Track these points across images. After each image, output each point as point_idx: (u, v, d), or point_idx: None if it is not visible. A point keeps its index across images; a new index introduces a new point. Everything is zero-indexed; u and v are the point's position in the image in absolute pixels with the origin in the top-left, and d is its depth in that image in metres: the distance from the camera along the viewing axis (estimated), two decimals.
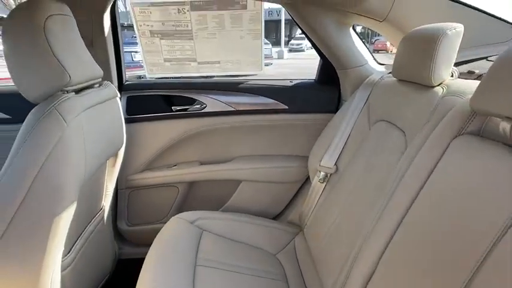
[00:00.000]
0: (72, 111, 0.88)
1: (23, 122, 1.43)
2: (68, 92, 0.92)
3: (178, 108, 1.49)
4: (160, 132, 1.51)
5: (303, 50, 21.53)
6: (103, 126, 1.08)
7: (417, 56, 0.93)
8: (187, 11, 1.34)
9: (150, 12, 1.35)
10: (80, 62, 0.96)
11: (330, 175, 1.27)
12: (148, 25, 1.38)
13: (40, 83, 0.86)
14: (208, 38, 1.41)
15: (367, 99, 1.24)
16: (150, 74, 1.51)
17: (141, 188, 1.55)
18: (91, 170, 1.02)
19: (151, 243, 1.17)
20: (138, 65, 5.73)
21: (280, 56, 16.90)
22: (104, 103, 1.07)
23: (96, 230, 1.21)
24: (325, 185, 1.28)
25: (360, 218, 0.93)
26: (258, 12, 1.37)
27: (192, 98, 1.48)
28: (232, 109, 1.49)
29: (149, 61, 1.48)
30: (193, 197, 1.61)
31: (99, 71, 1.08)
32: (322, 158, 1.28)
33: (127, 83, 1.49)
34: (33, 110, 0.85)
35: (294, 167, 1.55)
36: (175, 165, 1.57)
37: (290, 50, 21.05)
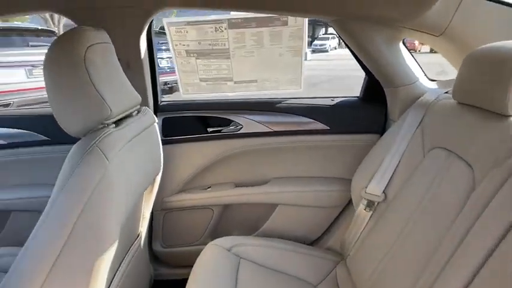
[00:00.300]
0: (113, 147, 0.84)
1: (61, 143, 1.43)
2: (108, 125, 0.88)
3: (214, 129, 1.43)
4: (196, 153, 1.46)
5: (326, 51, 21.25)
6: (143, 156, 1.04)
7: (488, 78, 0.82)
8: (225, 29, 1.28)
9: (187, 32, 1.29)
10: (119, 92, 0.93)
11: (378, 203, 1.17)
12: (184, 45, 1.33)
13: (80, 117, 0.83)
14: (245, 56, 1.34)
15: (420, 122, 1.13)
16: (185, 94, 1.46)
17: (176, 210, 1.51)
18: (131, 204, 0.98)
19: (186, 265, 1.15)
20: (163, 72, 5.80)
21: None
22: (143, 132, 1.03)
23: (134, 257, 1.17)
24: (372, 213, 1.18)
25: (421, 255, 0.84)
26: (300, 28, 1.29)
27: (227, 119, 1.42)
28: (269, 130, 1.42)
29: (184, 81, 1.43)
30: (228, 219, 1.55)
31: (137, 98, 1.04)
32: (369, 184, 1.19)
33: (162, 103, 1.45)
34: (76, 145, 0.82)
35: (335, 190, 1.46)
36: (209, 187, 1.51)
37: (313, 51, 20.79)
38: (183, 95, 1.48)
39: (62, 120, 0.83)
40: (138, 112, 1.07)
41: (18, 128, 1.43)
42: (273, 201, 1.48)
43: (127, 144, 0.91)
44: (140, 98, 1.06)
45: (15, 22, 6.36)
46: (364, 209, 1.19)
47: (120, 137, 0.88)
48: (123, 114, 0.95)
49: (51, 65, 0.80)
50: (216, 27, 1.28)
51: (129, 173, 0.93)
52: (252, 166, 1.50)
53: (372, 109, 1.41)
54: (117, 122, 0.92)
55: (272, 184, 1.49)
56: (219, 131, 1.43)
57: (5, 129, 1.43)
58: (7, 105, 4.88)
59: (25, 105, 5.01)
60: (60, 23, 10.20)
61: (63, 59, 0.80)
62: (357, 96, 1.49)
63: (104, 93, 0.83)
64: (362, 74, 1.44)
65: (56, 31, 7.06)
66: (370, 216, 1.18)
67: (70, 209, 0.76)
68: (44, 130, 1.43)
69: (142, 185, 1.06)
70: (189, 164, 1.47)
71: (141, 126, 1.03)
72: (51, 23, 10.03)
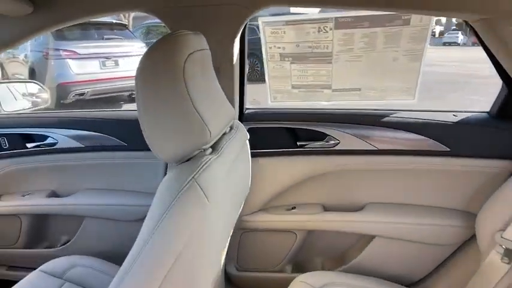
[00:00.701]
0: (213, 181, 0.69)
1: (138, 150, 1.34)
2: (205, 150, 0.73)
3: (305, 143, 1.24)
4: (282, 169, 1.28)
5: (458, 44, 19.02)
6: (238, 182, 0.90)
7: None
8: (330, 29, 1.08)
9: (284, 33, 1.11)
10: (216, 109, 0.78)
11: None
12: (279, 47, 1.15)
13: (175, 141, 0.69)
14: (351, 61, 1.13)
15: None
16: (273, 101, 1.29)
17: (254, 231, 1.36)
18: (226, 241, 0.84)
19: None
20: None
21: None
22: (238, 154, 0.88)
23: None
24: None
25: None
26: (425, 28, 1.04)
27: (321, 133, 1.22)
28: (372, 148, 1.19)
29: (274, 87, 1.26)
30: (311, 246, 1.36)
31: (232, 112, 0.89)
32: (508, 227, 0.93)
33: (247, 112, 1.29)
34: (171, 175, 0.69)
35: (450, 225, 1.20)
36: (293, 208, 1.33)
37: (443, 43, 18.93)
38: (270, 103, 1.31)
39: (153, 143, 0.70)
40: (231, 128, 0.92)
41: (96, 132, 1.37)
42: (369, 232, 1.26)
43: (225, 173, 0.77)
44: (234, 112, 0.91)
45: None
46: (501, 259, 0.94)
47: (219, 167, 0.73)
48: (220, 135, 0.81)
49: (144, 76, 0.67)
50: (319, 27, 1.08)
51: (226, 206, 0.79)
52: (346, 188, 1.29)
53: (507, 129, 1.13)
54: (214, 147, 0.77)
55: (368, 211, 1.27)
56: (311, 146, 1.24)
57: (83, 131, 1.38)
58: (82, 94, 5.18)
59: (98, 94, 5.29)
60: (130, 16, 10.61)
61: (159, 70, 0.67)
62: (487, 112, 1.20)
63: (203, 112, 0.69)
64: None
65: (127, 23, 7.34)
66: (509, 269, 0.93)
67: (166, 251, 0.64)
68: (122, 135, 1.35)
69: (235, 216, 0.92)
70: (273, 180, 1.30)
71: (236, 147, 0.88)
72: (122, 16, 10.49)
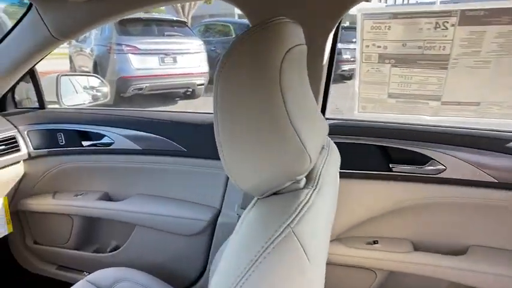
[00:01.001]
0: (315, 232, 0.50)
1: (198, 157, 1.20)
2: (298, 181, 0.54)
3: (398, 166, 1.01)
4: (368, 195, 1.07)
5: None
6: (332, 219, 0.70)
7: None
8: (452, 25, 0.84)
9: (388, 28, 0.89)
10: (312, 124, 0.58)
11: None
12: (378, 46, 0.93)
13: (265, 168, 0.50)
14: (474, 67, 0.88)
15: None
16: (361, 111, 1.07)
17: (327, 264, 1.15)
18: None
19: None
20: None
21: None
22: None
23: None
24: None
25: None
26: None
27: (423, 155, 0.98)
28: (491, 179, 0.93)
29: (364, 95, 1.04)
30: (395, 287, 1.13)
31: (326, 127, 0.70)
32: None
33: (328, 122, 1.09)
34: (260, 211, 0.51)
35: None
36: (376, 242, 1.10)
37: None
38: (356, 113, 1.09)
39: (230, 167, 0.51)
40: (323, 147, 0.72)
41: (154, 133, 1.24)
42: (472, 283, 1.00)
43: (326, 215, 0.57)
44: (328, 126, 0.72)
45: (154, 13, 6.90)
46: None
47: (320, 208, 0.53)
48: (316, 159, 0.61)
49: (227, 75, 0.49)
50: (437, 23, 0.84)
51: (323, 255, 0.60)
52: (444, 224, 1.05)
53: None
54: (310, 178, 0.58)
55: (473, 256, 1.01)
56: (408, 170, 1.00)
57: (140, 132, 1.26)
58: (141, 88, 5.29)
59: (155, 90, 5.37)
60: (190, 14, 10.81)
61: (248, 70, 0.49)
62: None
63: (300, 130, 0.50)
64: None
65: (186, 21, 7.44)
66: None
67: None
68: (181, 139, 1.22)
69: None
70: (355, 207, 1.09)
71: (333, 173, 0.68)
72: (181, 14, 10.72)
